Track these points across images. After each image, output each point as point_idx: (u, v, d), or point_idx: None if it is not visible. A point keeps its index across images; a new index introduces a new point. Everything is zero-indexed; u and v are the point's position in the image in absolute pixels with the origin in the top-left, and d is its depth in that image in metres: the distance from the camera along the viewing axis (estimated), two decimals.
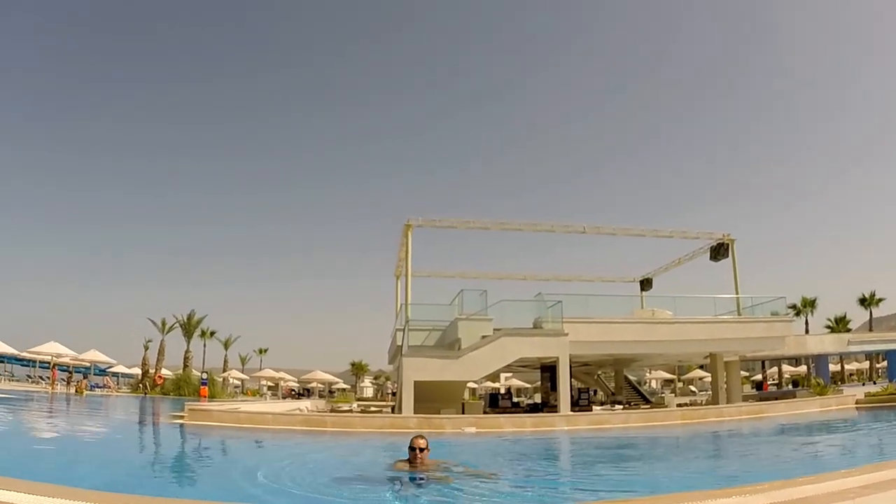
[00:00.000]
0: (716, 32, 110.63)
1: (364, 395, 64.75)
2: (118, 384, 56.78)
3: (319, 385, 67.84)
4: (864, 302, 55.68)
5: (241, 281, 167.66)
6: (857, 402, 21.74)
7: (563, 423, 17.28)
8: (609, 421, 17.98)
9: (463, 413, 20.99)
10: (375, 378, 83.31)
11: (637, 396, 35.08)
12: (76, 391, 38.47)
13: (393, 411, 25.55)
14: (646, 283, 35.15)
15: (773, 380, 57.77)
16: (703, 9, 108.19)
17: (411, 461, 7.09)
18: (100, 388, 47.96)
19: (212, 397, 30.96)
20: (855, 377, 61.48)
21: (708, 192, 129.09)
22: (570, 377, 22.61)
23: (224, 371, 64.33)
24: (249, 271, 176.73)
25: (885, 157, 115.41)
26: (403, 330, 23.27)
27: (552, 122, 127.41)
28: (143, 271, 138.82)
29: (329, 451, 12.22)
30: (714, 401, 26.48)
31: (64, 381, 42.15)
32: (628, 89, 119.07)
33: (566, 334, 21.78)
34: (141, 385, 49.96)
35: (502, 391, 45.75)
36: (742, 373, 39.80)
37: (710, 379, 33.50)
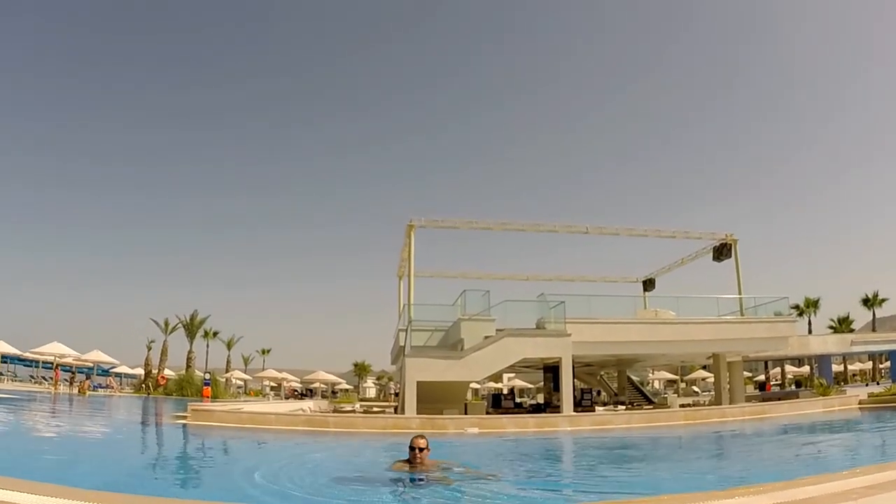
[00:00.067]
0: (716, 32, 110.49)
1: (367, 396, 64.79)
2: (121, 384, 56.91)
3: (322, 385, 67.89)
4: (867, 302, 55.48)
5: (244, 281, 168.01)
6: (860, 403, 21.69)
7: (566, 424, 17.27)
8: (612, 421, 17.97)
9: (465, 413, 20.96)
10: (378, 378, 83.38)
11: (640, 397, 35.05)
12: (79, 391, 38.56)
13: (395, 412, 25.54)
14: (649, 284, 35.12)
15: (776, 380, 57.63)
16: (703, 9, 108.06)
17: (411, 461, 7.07)
18: (103, 388, 48.04)
19: (215, 398, 30.91)
20: (858, 378, 61.31)
21: (709, 192, 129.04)
22: (573, 378, 22.56)
23: (227, 371, 64.34)
24: (252, 272, 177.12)
25: (887, 157, 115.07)
26: (406, 330, 23.27)
27: (552, 122, 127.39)
28: (146, 272, 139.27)
29: (331, 452, 12.21)
30: (717, 401, 26.42)
31: (67, 381, 42.21)
32: (628, 89, 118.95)
33: (569, 335, 21.75)
34: (144, 385, 50.07)
35: (505, 392, 45.73)
36: (745, 373, 39.64)
37: (712, 379, 33.44)
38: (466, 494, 6.46)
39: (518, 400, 35.81)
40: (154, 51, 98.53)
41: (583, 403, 25.87)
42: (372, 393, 72.28)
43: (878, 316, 55.91)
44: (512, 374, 51.75)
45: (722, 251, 27.66)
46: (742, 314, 25.90)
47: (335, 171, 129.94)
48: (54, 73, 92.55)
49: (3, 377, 46.29)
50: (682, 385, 59.19)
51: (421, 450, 7.02)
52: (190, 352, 55.19)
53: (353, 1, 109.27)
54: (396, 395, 36.81)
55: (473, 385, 44.86)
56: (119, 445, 13.18)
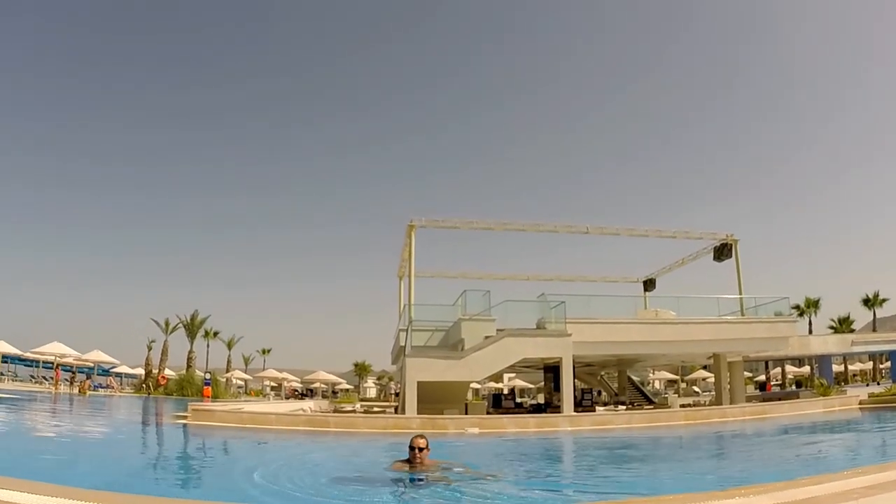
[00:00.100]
0: (716, 32, 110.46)
1: (367, 396, 64.78)
2: (121, 384, 56.90)
3: (323, 385, 67.90)
4: (867, 302, 55.46)
5: (244, 281, 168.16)
6: (860, 403, 21.69)
7: (567, 424, 17.27)
8: (612, 421, 17.97)
9: (466, 413, 20.97)
10: (379, 378, 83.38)
11: (640, 397, 35.05)
12: (79, 391, 38.55)
13: (396, 412, 25.55)
14: (649, 284, 35.12)
15: (777, 380, 57.62)
16: (703, 9, 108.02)
17: (411, 461, 7.06)
18: (103, 388, 48.04)
19: (215, 398, 30.91)
20: (858, 378, 61.25)
21: (709, 192, 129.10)
22: (574, 378, 22.56)
23: (227, 371, 64.33)
24: (252, 272, 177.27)
25: (887, 157, 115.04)
26: (407, 330, 23.27)
27: (552, 122, 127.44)
28: (146, 272, 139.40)
29: (331, 452, 12.21)
30: (717, 401, 26.41)
31: (67, 381, 42.22)
32: (628, 89, 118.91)
33: (569, 335, 21.75)
34: (144, 385, 50.07)
35: (505, 392, 45.73)
36: (745, 373, 39.63)
37: (713, 379, 33.43)
38: (466, 494, 6.44)
39: (518, 400, 35.84)
40: (154, 51, 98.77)
41: (583, 403, 25.87)
42: (372, 393, 72.28)
43: (878, 316, 55.91)
44: (512, 374, 51.76)
45: (722, 251, 27.66)
46: (742, 314, 25.89)
47: (335, 171, 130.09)
48: (54, 73, 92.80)
49: (3, 377, 46.30)
50: (683, 385, 59.19)
51: (421, 449, 7.01)
52: (190, 352, 55.24)
53: (353, 1, 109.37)
54: (397, 395, 36.84)
55: (474, 385, 44.87)
56: (119, 445, 13.19)
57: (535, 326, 23.07)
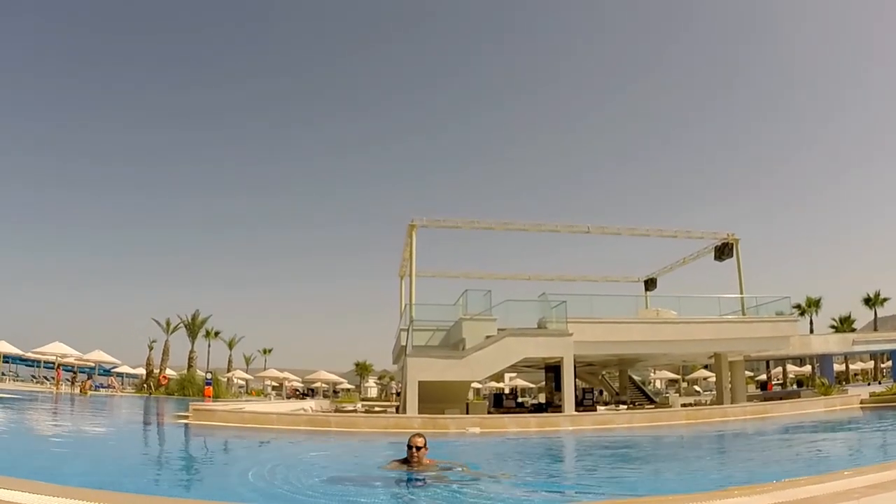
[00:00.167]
0: (716, 32, 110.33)
1: (368, 396, 64.77)
2: (122, 384, 56.94)
3: (324, 385, 67.92)
4: (868, 302, 55.45)
5: (244, 281, 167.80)
6: (861, 402, 21.68)
7: (568, 424, 17.26)
8: (613, 421, 17.97)
9: (467, 413, 20.97)
10: (380, 378, 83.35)
11: (641, 396, 35.05)
12: (80, 391, 38.62)
13: (397, 411, 25.55)
14: (650, 283, 35.10)
15: (778, 380, 57.56)
16: (703, 9, 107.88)
17: (409, 460, 7.04)
18: (104, 388, 48.08)
19: (216, 397, 30.97)
20: (860, 377, 61.22)
21: (709, 192, 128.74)
22: (575, 377, 22.56)
23: (228, 371, 64.43)
24: (252, 272, 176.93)
25: (887, 157, 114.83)
26: (408, 330, 23.27)
27: (552, 122, 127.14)
28: (146, 272, 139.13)
29: (332, 451, 12.21)
30: (718, 401, 26.39)
31: (68, 381, 42.26)
32: (628, 89, 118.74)
33: (570, 334, 21.75)
34: (145, 385, 50.15)
35: (506, 391, 45.71)
36: (746, 373, 39.61)
37: (714, 379, 33.40)
38: (465, 494, 6.41)
39: (520, 399, 35.79)
40: (154, 51, 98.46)
41: (584, 403, 25.85)
42: (373, 392, 72.25)
43: (879, 315, 55.91)
44: (513, 374, 51.76)
45: (723, 251, 27.64)
46: (744, 314, 25.88)
47: (335, 171, 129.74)
48: (54, 73, 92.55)
49: (5, 377, 46.35)
50: (684, 384, 59.13)
51: (419, 448, 6.98)
52: (191, 351, 55.34)
53: (353, 1, 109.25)
54: (398, 394, 36.83)
55: (475, 385, 44.86)
56: (120, 445, 13.20)
57: (536, 326, 23.07)
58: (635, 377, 40.24)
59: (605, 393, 34.84)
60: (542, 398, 35.62)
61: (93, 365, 52.72)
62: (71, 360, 47.74)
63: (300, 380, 69.73)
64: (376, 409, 30.54)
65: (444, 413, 18.86)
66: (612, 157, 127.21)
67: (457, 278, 34.39)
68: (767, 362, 55.12)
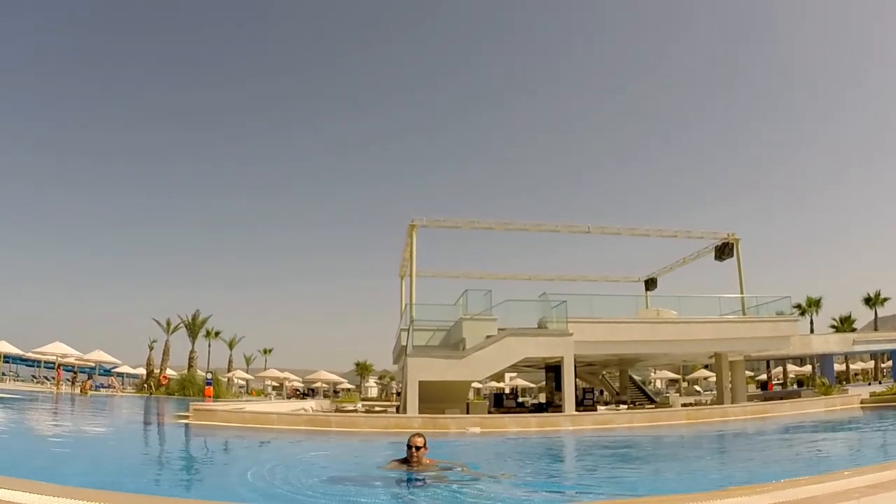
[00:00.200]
0: (716, 32, 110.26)
1: (369, 395, 64.82)
2: (123, 384, 56.97)
3: (324, 385, 67.93)
4: (869, 301, 55.44)
5: (244, 281, 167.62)
6: (862, 402, 21.68)
7: (568, 423, 17.27)
8: (614, 421, 17.97)
9: (467, 413, 20.97)
10: (380, 378, 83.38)
11: (642, 396, 35.06)
12: (81, 391, 38.62)
13: (397, 411, 25.55)
14: (650, 283, 35.10)
15: (778, 380, 57.56)
16: (703, 9, 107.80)
17: (409, 460, 7.03)
18: (104, 388, 48.10)
19: (216, 397, 30.99)
20: (860, 377, 61.20)
21: (709, 192, 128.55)
22: (575, 377, 22.56)
23: (229, 371, 64.47)
24: (252, 272, 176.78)
25: (887, 157, 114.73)
26: (408, 330, 23.28)
27: (552, 122, 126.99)
28: (146, 272, 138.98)
29: (333, 451, 12.22)
30: (719, 401, 26.39)
31: (69, 381, 42.29)
32: (628, 89, 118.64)
33: (571, 334, 21.75)
34: (146, 385, 50.15)
35: (507, 391, 45.72)
36: (747, 372, 39.62)
37: (714, 379, 33.41)
38: (464, 494, 6.40)
39: (520, 399, 35.80)
40: (154, 51, 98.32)
41: (585, 403, 25.86)
42: (374, 392, 72.29)
43: (879, 315, 55.91)
44: (514, 374, 51.77)
45: (724, 250, 27.64)
46: (744, 313, 25.88)
47: (335, 171, 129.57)
48: (54, 73, 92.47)
49: (5, 377, 46.37)
50: (684, 384, 59.15)
51: (418, 448, 6.97)
52: (192, 351, 55.36)
53: (353, 1, 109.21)
54: (398, 394, 36.84)
55: (475, 384, 44.88)
56: (121, 445, 13.20)
57: (536, 326, 23.08)
58: (636, 377, 40.26)
59: (605, 393, 34.85)
60: (542, 398, 35.62)
61: (93, 365, 52.75)
62: (71, 360, 47.77)
63: (301, 380, 69.75)
64: (377, 408, 30.54)
65: (444, 413, 18.86)
66: (612, 157, 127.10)
67: (457, 278, 34.44)
68: (768, 362, 55.12)
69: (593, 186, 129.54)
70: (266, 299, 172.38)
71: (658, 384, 60.98)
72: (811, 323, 54.20)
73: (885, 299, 54.92)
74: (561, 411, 21.14)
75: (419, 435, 7.09)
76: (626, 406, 27.14)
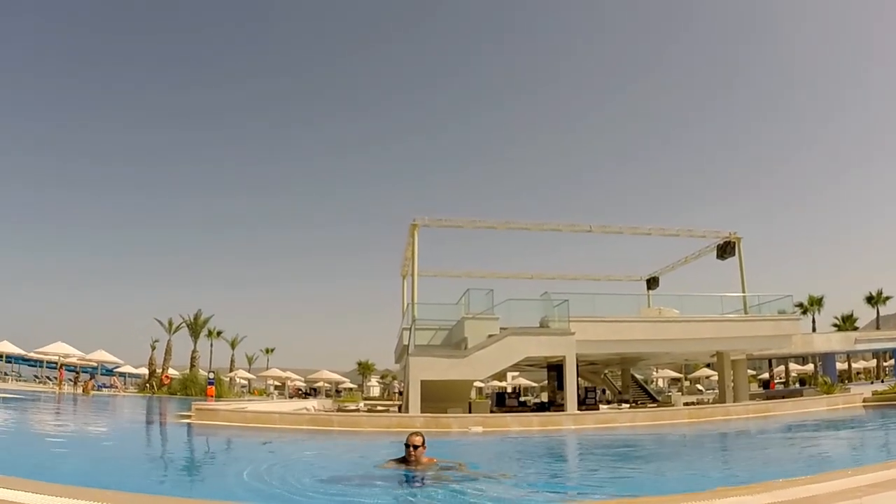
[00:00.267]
0: (716, 32, 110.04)
1: (371, 395, 64.91)
2: (125, 384, 57.07)
3: (326, 384, 68.00)
4: (871, 300, 55.41)
5: (244, 281, 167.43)
6: (864, 401, 21.65)
7: (570, 423, 17.26)
8: (616, 420, 17.97)
9: (470, 412, 20.99)
10: (382, 377, 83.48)
11: (644, 395, 35.04)
12: (83, 391, 38.70)
13: (399, 410, 25.56)
14: (652, 282, 35.08)
15: (780, 378, 57.54)
16: (703, 9, 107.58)
17: (407, 459, 7.01)
18: (107, 388, 48.20)
19: (219, 397, 31.04)
20: (862, 375, 61.12)
21: (709, 192, 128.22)
22: (577, 376, 22.56)
23: (231, 371, 64.57)
24: (252, 272, 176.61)
25: (887, 157, 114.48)
26: (410, 329, 23.28)
27: (552, 122, 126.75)
28: (146, 272, 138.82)
29: (334, 451, 12.23)
30: (721, 399, 26.38)
31: (71, 381, 42.36)
32: (628, 89, 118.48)
33: (573, 333, 21.74)
34: (148, 385, 50.20)
35: (509, 390, 45.75)
36: (749, 371, 39.59)
37: (716, 377, 33.39)
38: (463, 493, 6.36)
39: (522, 398, 35.78)
40: (154, 51, 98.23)
41: (587, 402, 25.85)
42: (376, 392, 72.38)
43: (881, 314, 55.89)
44: (516, 373, 51.80)
45: (726, 249, 27.61)
46: (746, 312, 25.86)
47: (335, 171, 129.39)
48: (54, 73, 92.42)
49: (7, 377, 46.47)
50: (686, 383, 59.15)
51: (416, 447, 6.94)
52: (194, 351, 55.51)
53: (353, 1, 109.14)
54: (400, 393, 36.85)
55: (477, 384, 44.87)
56: (123, 445, 13.21)
57: (538, 325, 23.07)
58: (638, 376, 40.25)
59: (607, 392, 34.86)
60: (544, 397, 35.62)
61: (95, 365, 52.85)
62: (73, 360, 47.82)
63: (303, 379, 69.82)
64: (379, 408, 30.57)
65: (446, 412, 18.87)
66: (613, 157, 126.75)
67: (459, 277, 34.45)
68: (770, 361, 55.09)
69: (593, 186, 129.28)
70: (266, 299, 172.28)
71: (660, 383, 60.97)
72: (813, 322, 54.25)
73: (887, 298, 54.94)
74: (563, 410, 21.13)
75: (417, 434, 7.08)
76: (628, 405, 27.15)
